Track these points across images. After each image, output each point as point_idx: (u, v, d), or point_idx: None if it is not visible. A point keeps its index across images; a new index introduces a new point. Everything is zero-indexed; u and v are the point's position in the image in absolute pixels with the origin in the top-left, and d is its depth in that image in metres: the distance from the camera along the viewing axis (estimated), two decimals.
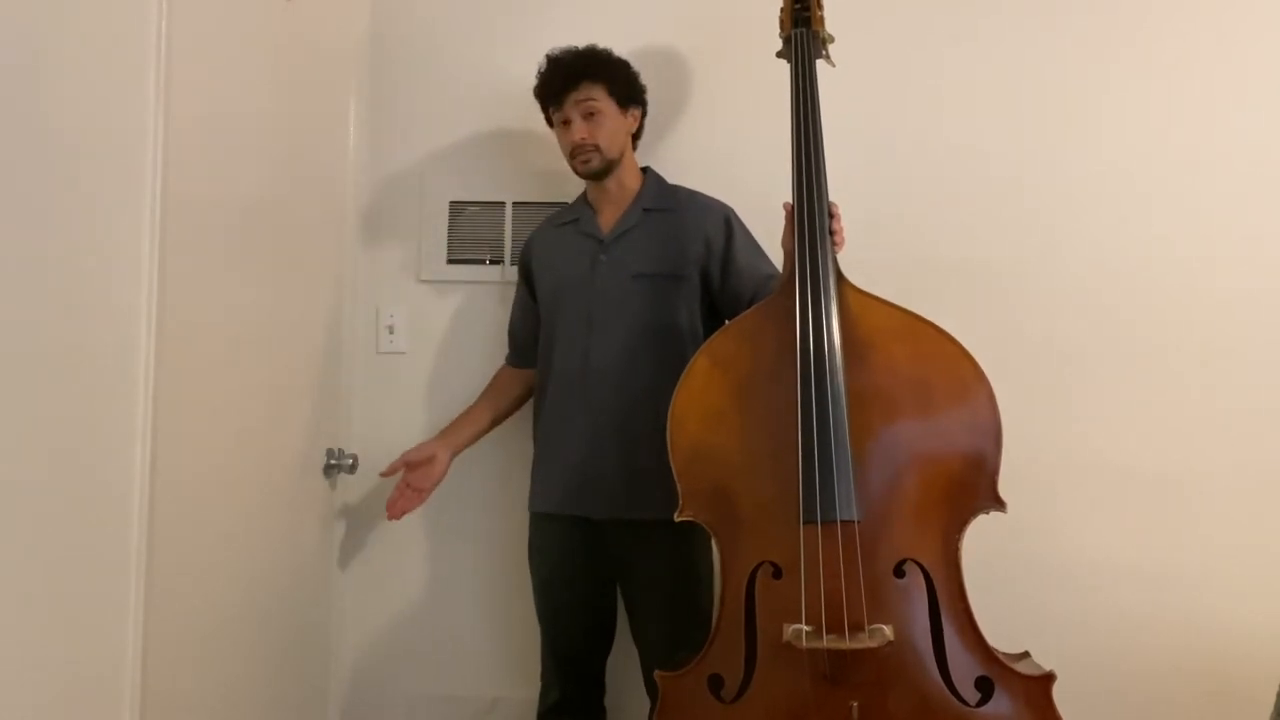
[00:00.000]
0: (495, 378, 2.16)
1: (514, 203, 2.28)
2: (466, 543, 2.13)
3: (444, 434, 2.08)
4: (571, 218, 2.07)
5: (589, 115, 1.95)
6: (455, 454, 2.07)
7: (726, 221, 1.98)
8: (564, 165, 2.04)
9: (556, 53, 2.00)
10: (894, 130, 2.21)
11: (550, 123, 2.04)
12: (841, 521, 1.54)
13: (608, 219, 2.02)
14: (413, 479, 2.03)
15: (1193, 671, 2.01)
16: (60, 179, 1.25)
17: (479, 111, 2.24)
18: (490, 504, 2.20)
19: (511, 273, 2.24)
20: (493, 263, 2.27)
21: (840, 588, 1.52)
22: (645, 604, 1.93)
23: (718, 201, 2.02)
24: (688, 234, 1.97)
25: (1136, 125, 2.17)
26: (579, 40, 2.01)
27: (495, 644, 2.09)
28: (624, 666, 2.02)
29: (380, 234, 2.30)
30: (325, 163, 2.12)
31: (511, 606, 2.16)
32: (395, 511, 2.02)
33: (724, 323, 1.98)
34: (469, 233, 2.29)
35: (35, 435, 1.21)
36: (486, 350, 2.23)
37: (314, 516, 2.07)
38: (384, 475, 2.05)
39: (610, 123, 1.97)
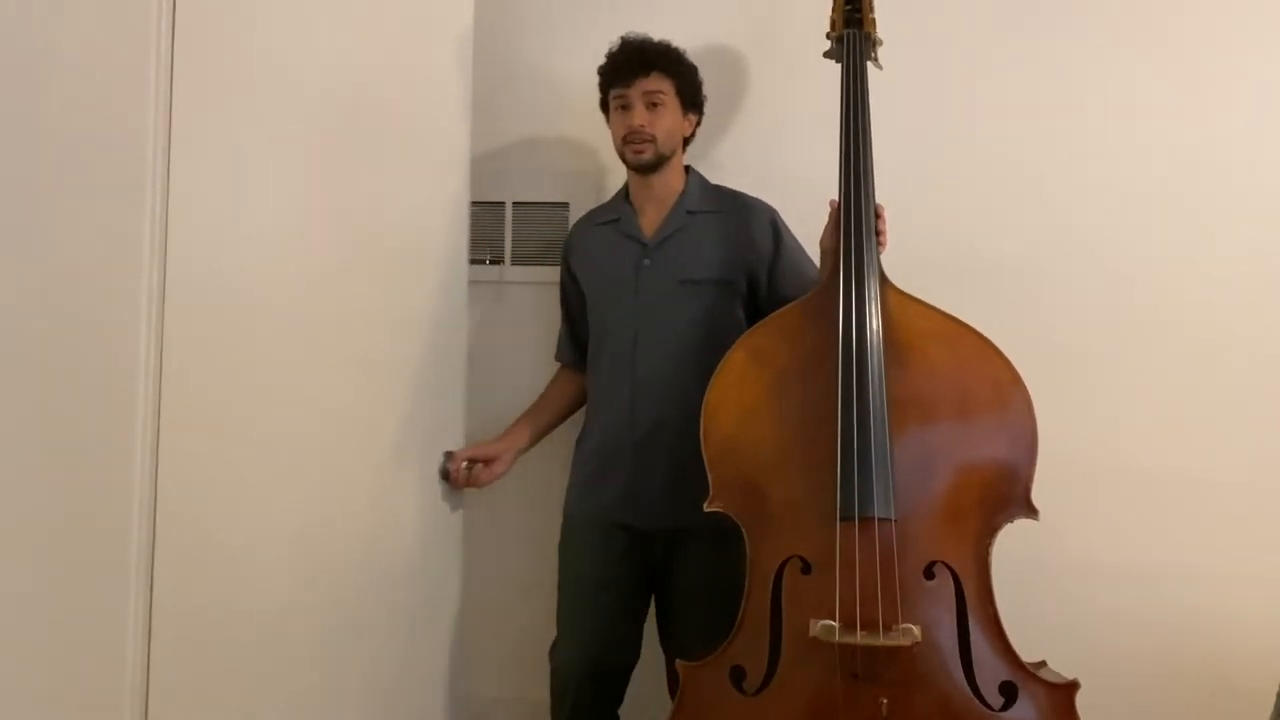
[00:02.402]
0: (554, 381, 2.12)
1: (514, 203, 2.27)
2: (469, 542, 2.11)
3: (509, 434, 2.04)
4: (611, 217, 2.02)
5: (653, 106, 1.92)
6: (519, 454, 2.04)
7: (773, 224, 1.96)
8: (564, 165, 2.03)
9: (633, 36, 1.97)
10: (922, 132, 2.20)
11: (605, 106, 2.00)
12: (878, 519, 1.54)
13: (650, 220, 1.97)
14: (476, 474, 1.97)
15: (1193, 671, 2.01)
16: (61, 178, 1.24)
17: (479, 111, 2.19)
18: (491, 504, 2.16)
19: (512, 273, 2.23)
20: (493, 263, 2.25)
21: (873, 585, 1.52)
22: (685, 612, 1.89)
23: (761, 202, 1.99)
24: (735, 238, 1.94)
25: (1165, 128, 2.16)
26: (596, 40, 2.00)
27: (495, 644, 2.06)
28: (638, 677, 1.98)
29: None
30: None
31: (512, 606, 2.14)
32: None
33: None
34: (469, 233, 2.23)
35: (35, 435, 1.23)
36: (486, 350, 2.21)
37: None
38: (452, 475, 1.94)
39: (671, 119, 1.94)
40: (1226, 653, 2.00)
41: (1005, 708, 1.52)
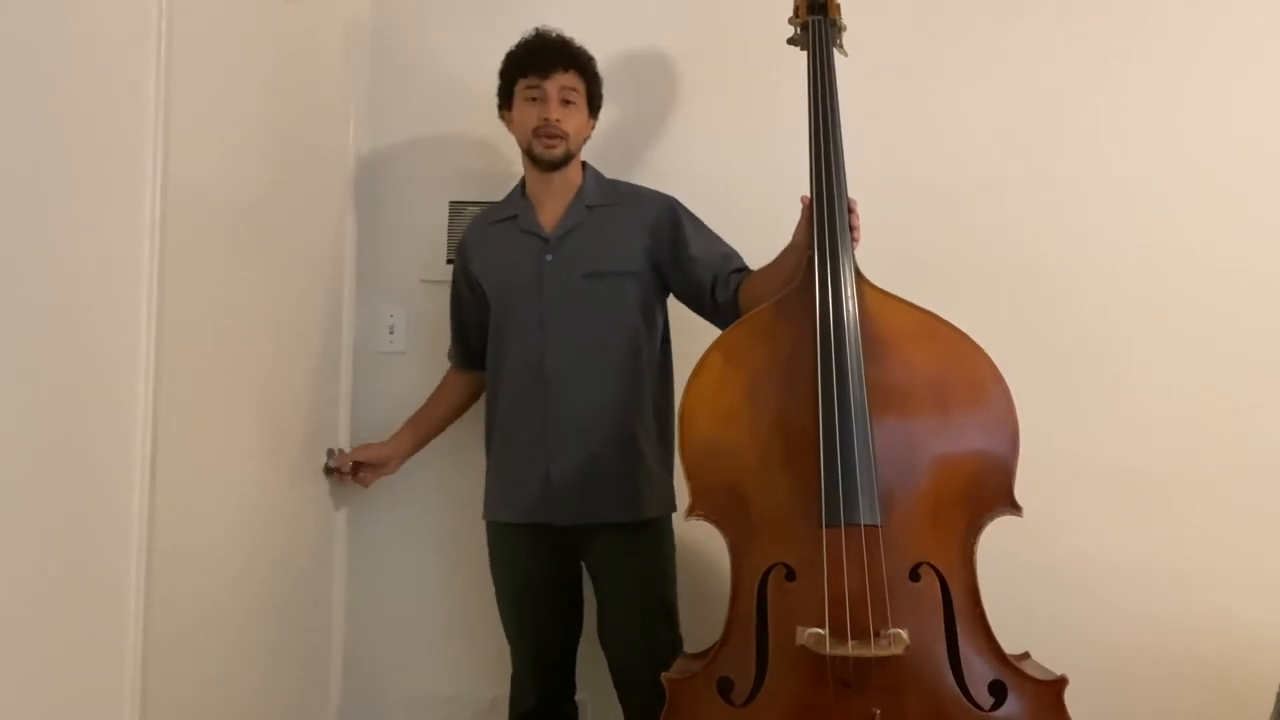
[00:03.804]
0: (444, 383, 2.11)
1: None
2: (466, 543, 2.08)
3: (398, 439, 2.09)
4: (509, 214, 1.98)
5: (566, 103, 1.89)
6: (405, 459, 2.10)
7: (671, 210, 1.94)
8: None
9: (549, 30, 1.93)
10: (901, 126, 2.17)
11: (508, 95, 1.94)
12: (865, 525, 1.51)
13: (549, 215, 1.94)
14: (360, 475, 2.08)
15: (1193, 671, 2.02)
16: (60, 178, 1.25)
17: (479, 111, 2.18)
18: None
19: None
20: None
21: (862, 592, 1.49)
22: (615, 606, 1.90)
23: (659, 193, 1.98)
24: (633, 227, 1.92)
25: (1153, 126, 2.15)
26: (580, 40, 1.94)
27: (495, 644, 2.02)
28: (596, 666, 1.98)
29: (380, 234, 2.26)
30: (325, 163, 2.10)
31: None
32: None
33: (670, 312, 1.98)
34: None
35: (35, 435, 1.20)
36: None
37: (314, 516, 2.04)
38: (333, 471, 2.07)
39: (581, 119, 1.92)
40: (1226, 653, 2.00)
41: (995, 707, 1.51)
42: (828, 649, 1.46)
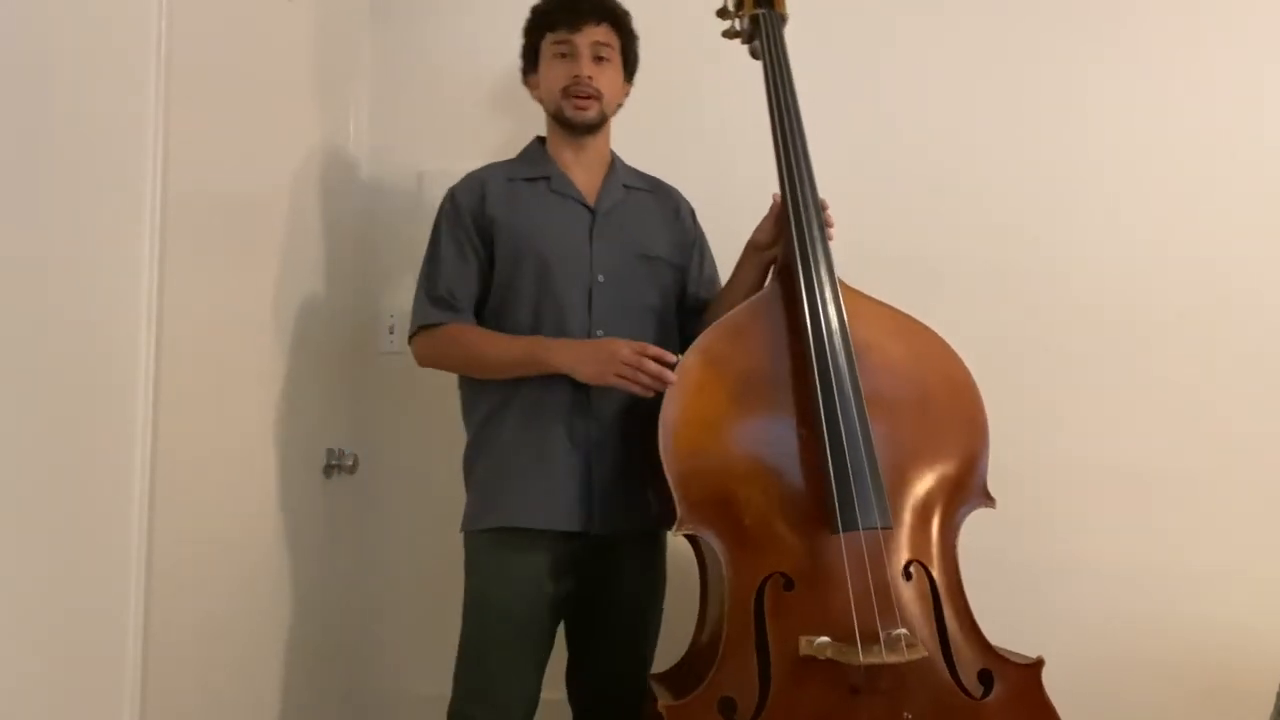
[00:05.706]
0: (467, 329, 1.72)
1: None
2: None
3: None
4: (538, 174, 1.75)
5: (599, 60, 1.71)
6: None
7: (693, 214, 1.87)
8: None
9: None
10: (876, 125, 2.14)
11: (534, 53, 1.75)
12: (881, 529, 1.50)
13: (585, 184, 1.75)
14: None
15: (1193, 671, 2.02)
16: (60, 179, 1.25)
17: (479, 110, 2.11)
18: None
19: None
20: None
21: (885, 594, 1.48)
22: (617, 622, 1.74)
23: (679, 192, 1.88)
24: (670, 218, 1.81)
25: (1131, 124, 2.14)
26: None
27: None
28: None
29: (380, 234, 2.22)
30: (325, 162, 2.07)
31: None
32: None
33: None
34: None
35: (35, 435, 1.21)
36: None
37: (313, 516, 2.02)
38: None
39: (615, 78, 1.74)
40: (1225, 653, 2.01)
41: (985, 695, 1.55)
42: (860, 658, 1.43)
